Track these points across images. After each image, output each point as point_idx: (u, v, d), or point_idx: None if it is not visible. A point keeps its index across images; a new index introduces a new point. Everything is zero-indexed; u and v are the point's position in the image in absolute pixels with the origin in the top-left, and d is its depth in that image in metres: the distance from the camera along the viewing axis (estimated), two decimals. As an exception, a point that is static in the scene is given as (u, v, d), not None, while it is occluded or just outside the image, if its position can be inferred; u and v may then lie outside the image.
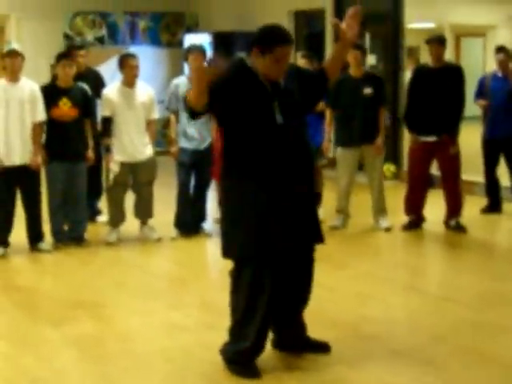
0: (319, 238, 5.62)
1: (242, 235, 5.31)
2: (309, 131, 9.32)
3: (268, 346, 5.60)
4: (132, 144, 9.08)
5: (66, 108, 8.86)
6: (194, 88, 5.19)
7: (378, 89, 9.57)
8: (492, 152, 10.43)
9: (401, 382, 5.22)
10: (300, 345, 5.77)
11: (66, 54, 9.27)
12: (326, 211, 10.05)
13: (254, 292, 5.32)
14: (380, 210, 9.68)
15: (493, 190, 10.56)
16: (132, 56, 9.18)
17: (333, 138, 10.07)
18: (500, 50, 10.36)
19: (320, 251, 7.39)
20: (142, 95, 9.14)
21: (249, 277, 5.30)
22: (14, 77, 8.57)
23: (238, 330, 5.45)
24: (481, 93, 10.53)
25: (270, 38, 5.29)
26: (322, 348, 5.76)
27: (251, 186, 5.29)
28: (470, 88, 9.97)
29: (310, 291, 5.73)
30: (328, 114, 9.70)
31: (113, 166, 9.06)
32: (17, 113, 8.55)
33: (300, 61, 10.06)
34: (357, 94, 9.47)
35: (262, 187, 5.28)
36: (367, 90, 9.48)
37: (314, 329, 5.92)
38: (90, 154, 9.06)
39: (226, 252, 5.42)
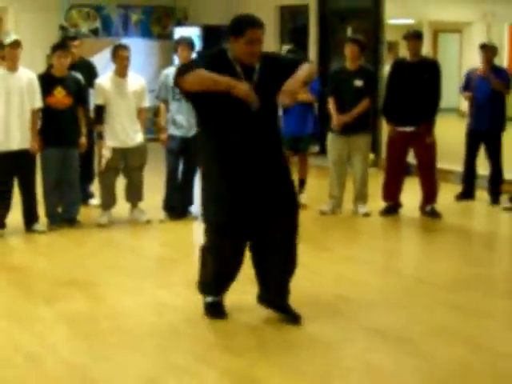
0: (292, 212, 5.93)
1: (205, 205, 5.93)
2: (298, 120, 9.43)
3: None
4: (123, 131, 9.06)
5: (60, 96, 8.83)
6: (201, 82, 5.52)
7: (368, 82, 9.53)
8: (474, 142, 10.44)
9: (378, 359, 5.23)
10: (277, 307, 6.02)
11: (61, 45, 9.23)
12: (311, 197, 10.09)
13: (209, 253, 5.88)
14: (361, 197, 9.67)
15: (469, 178, 10.57)
16: (124, 47, 9.16)
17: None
18: (484, 47, 10.35)
19: (304, 234, 7.42)
20: (133, 84, 9.11)
21: (210, 239, 5.88)
22: (13, 66, 8.53)
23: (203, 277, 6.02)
24: (467, 86, 10.52)
25: (240, 23, 5.63)
26: (294, 319, 5.91)
27: (217, 165, 5.72)
28: (447, 81, 9.96)
29: (291, 261, 6.00)
30: (331, 101, 9.62)
31: (105, 151, 9.04)
32: (16, 100, 8.51)
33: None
34: (348, 85, 9.45)
35: (226, 166, 5.68)
36: (358, 83, 9.44)
37: (296, 307, 5.96)
38: (83, 140, 9.03)
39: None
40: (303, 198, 10.13)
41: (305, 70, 5.71)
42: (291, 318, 5.91)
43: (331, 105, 9.61)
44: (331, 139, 9.66)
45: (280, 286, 5.97)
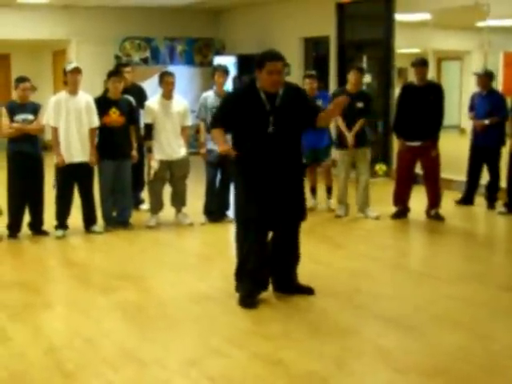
0: (301, 217, 6.18)
1: (236, 206, 6.18)
2: (316, 134, 9.43)
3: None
4: (169, 145, 9.08)
5: (115, 116, 8.86)
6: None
7: (367, 104, 9.54)
8: (476, 157, 10.35)
9: (386, 344, 5.20)
10: (292, 289, 6.25)
11: (115, 72, 9.28)
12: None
13: (244, 245, 6.02)
14: (364, 203, 9.64)
15: (471, 187, 10.47)
16: (169, 74, 9.17)
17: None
18: (476, 74, 10.31)
19: (322, 234, 7.30)
20: (177, 106, 9.13)
21: (241, 235, 6.07)
22: (74, 90, 8.60)
23: (239, 272, 6.13)
24: (472, 107, 10.44)
25: (262, 57, 5.86)
26: (308, 291, 6.24)
27: (245, 174, 5.98)
28: (449, 103, 9.88)
29: (297, 251, 6.25)
30: (340, 120, 9.61)
31: (153, 163, 9.07)
32: (75, 120, 8.56)
33: (306, 80, 10.01)
34: (351, 107, 9.41)
35: (253, 176, 5.92)
36: (359, 104, 9.44)
37: (316, 299, 6.02)
38: (134, 153, 9.05)
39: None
40: (332, 204, 10.08)
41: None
42: (307, 291, 6.23)
43: (341, 123, 9.60)
44: (339, 154, 9.71)
45: (294, 268, 6.27)
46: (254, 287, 6.09)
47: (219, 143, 5.98)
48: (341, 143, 9.64)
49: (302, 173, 6.28)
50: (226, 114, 6.04)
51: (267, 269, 6.16)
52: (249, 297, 6.03)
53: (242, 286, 6.10)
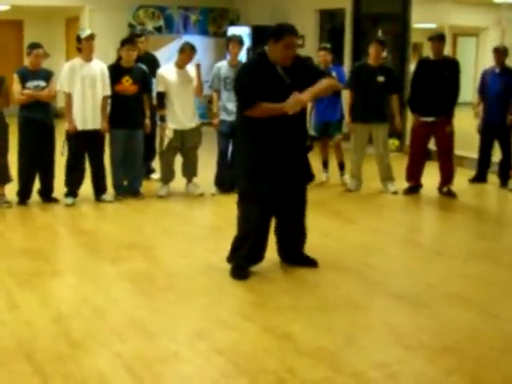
0: (307, 179, 6.16)
1: (241, 177, 6.10)
2: (328, 108, 9.36)
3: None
4: (182, 115, 9.02)
5: (127, 84, 8.81)
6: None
7: (389, 78, 9.47)
8: (487, 135, 10.25)
9: (397, 322, 5.15)
10: (296, 259, 6.28)
11: (129, 40, 9.20)
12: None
13: (247, 216, 6.01)
14: (387, 177, 9.59)
15: (483, 165, 10.39)
16: (192, 47, 9.01)
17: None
18: (495, 50, 10.14)
19: (334, 208, 7.18)
20: (190, 75, 9.06)
21: (245, 208, 6.05)
22: (88, 57, 8.55)
23: (237, 243, 6.11)
24: (482, 86, 10.31)
25: (280, 29, 5.79)
26: (312, 263, 6.24)
27: (256, 146, 5.86)
28: (464, 79, 9.76)
29: (304, 219, 6.21)
30: (350, 95, 9.54)
31: (168, 132, 9.03)
32: (89, 86, 8.52)
33: (320, 52, 9.94)
34: (372, 80, 9.36)
35: (264, 147, 5.84)
36: (380, 78, 9.38)
37: (325, 273, 5.96)
38: (147, 122, 9.02)
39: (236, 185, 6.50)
40: (346, 179, 9.99)
41: (323, 84, 5.91)
42: (310, 263, 6.23)
43: (349, 99, 9.56)
44: (355, 127, 9.60)
45: (300, 240, 6.27)
46: (248, 261, 6.10)
47: (279, 107, 5.72)
48: (355, 116, 9.54)
49: (305, 138, 6.18)
50: (254, 89, 5.79)
51: (266, 243, 6.12)
52: (241, 268, 6.04)
53: (236, 259, 6.11)
